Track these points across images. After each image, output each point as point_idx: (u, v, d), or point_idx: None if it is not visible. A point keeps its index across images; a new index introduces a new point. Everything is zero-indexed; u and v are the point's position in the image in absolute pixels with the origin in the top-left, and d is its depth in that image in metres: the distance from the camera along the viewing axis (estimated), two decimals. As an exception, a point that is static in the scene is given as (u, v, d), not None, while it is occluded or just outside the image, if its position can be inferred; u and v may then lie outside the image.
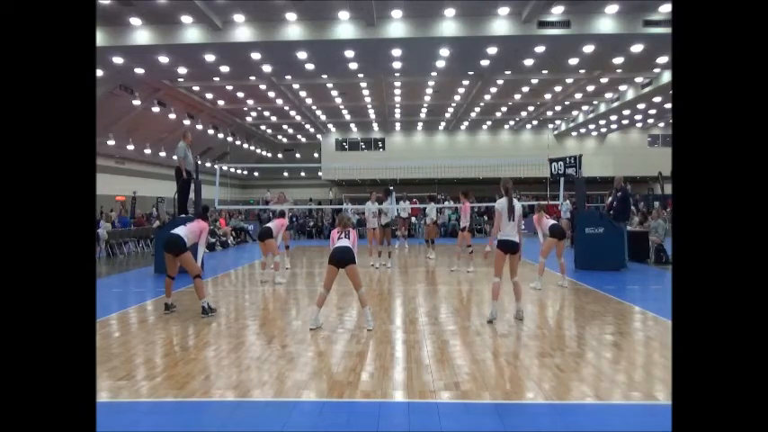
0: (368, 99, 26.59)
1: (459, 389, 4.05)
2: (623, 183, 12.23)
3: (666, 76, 20.61)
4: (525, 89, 23.96)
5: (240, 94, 25.15)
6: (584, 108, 29.27)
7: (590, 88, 23.92)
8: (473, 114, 30.45)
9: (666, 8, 13.89)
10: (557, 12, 14.33)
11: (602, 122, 31.45)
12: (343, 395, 3.96)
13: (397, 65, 18.71)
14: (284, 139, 40.96)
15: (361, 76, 20.84)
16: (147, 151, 29.30)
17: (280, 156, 42.87)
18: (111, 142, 24.97)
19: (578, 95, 25.46)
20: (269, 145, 41.40)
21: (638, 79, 22.35)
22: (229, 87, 23.67)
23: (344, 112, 29.92)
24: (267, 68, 18.98)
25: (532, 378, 4.31)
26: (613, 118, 29.95)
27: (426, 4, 13.99)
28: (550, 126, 34.86)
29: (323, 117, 31.49)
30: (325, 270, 6.19)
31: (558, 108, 28.94)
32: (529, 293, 8.39)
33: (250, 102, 26.88)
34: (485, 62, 18.35)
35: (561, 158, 13.22)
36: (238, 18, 14.84)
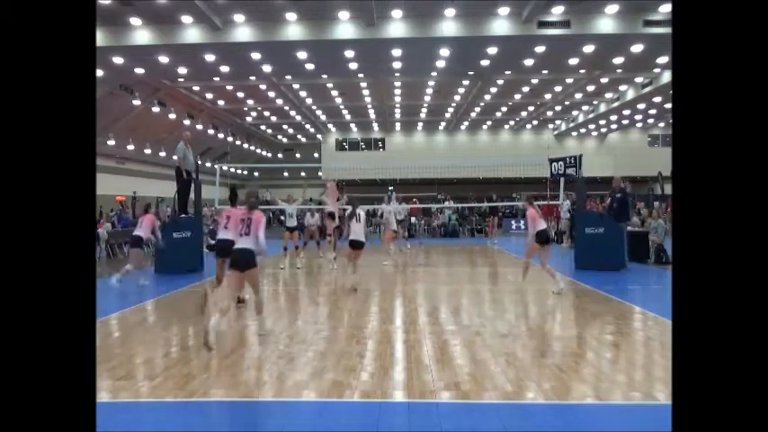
0: (368, 99, 26.57)
1: (459, 389, 4.05)
2: (622, 184, 12.20)
3: (666, 76, 20.59)
4: (525, 89, 23.94)
5: (240, 94, 25.14)
6: (585, 108, 29.25)
7: (590, 88, 23.90)
8: (473, 114, 30.42)
9: (666, 8, 13.87)
10: (557, 12, 14.32)
11: (602, 122, 31.42)
12: (343, 395, 3.95)
13: (397, 65, 18.69)
14: (284, 139, 40.94)
15: (361, 76, 20.82)
16: (147, 151, 29.30)
17: (280, 156, 42.83)
18: (111, 142, 24.96)
19: (578, 95, 25.44)
20: (269, 145, 41.38)
21: (638, 79, 22.34)
22: (229, 87, 23.66)
23: (344, 112, 29.90)
24: (267, 68, 18.97)
25: (532, 378, 4.31)
26: (613, 118, 29.93)
27: (426, 4, 13.98)
28: (550, 126, 34.83)
29: (323, 117, 31.48)
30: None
31: (558, 108, 28.92)
32: (530, 294, 8.39)
33: (250, 102, 26.87)
34: (485, 62, 18.34)
35: (561, 158, 13.21)
36: (238, 18, 14.83)
